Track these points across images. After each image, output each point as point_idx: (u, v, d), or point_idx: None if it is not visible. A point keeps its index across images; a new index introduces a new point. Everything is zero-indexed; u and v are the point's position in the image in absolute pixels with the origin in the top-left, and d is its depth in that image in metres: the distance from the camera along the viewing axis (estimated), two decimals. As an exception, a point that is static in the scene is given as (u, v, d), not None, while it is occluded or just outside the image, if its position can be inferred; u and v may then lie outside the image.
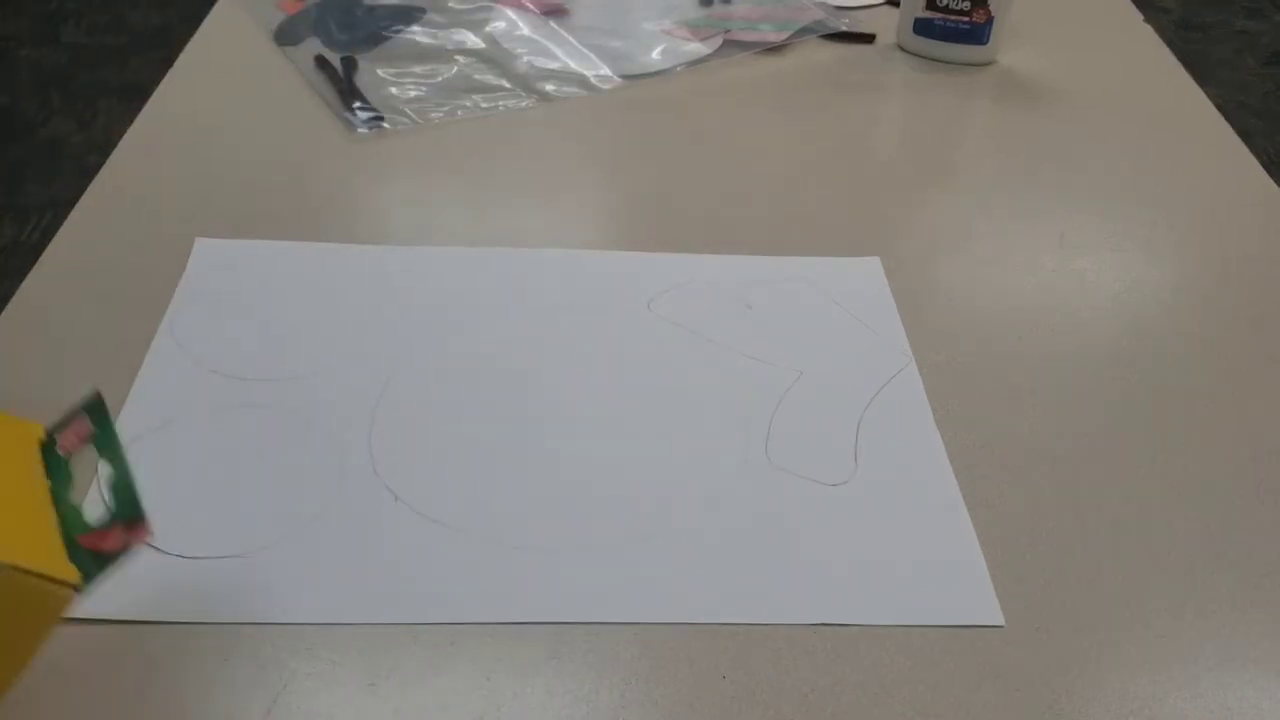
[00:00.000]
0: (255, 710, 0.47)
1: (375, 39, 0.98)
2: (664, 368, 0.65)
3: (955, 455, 0.60)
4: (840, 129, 0.89)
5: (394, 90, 0.90)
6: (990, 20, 0.96)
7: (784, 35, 1.00)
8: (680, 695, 0.48)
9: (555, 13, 1.03)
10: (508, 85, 0.92)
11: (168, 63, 0.93)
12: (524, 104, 0.90)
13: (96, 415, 0.49)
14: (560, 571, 0.53)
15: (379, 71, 0.93)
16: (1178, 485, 0.59)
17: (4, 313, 0.66)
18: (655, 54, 0.97)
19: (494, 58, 0.96)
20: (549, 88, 0.92)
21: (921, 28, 0.98)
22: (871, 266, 0.73)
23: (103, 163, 0.80)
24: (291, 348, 0.65)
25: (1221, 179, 0.85)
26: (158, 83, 0.90)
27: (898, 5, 1.00)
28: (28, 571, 0.42)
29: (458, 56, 0.96)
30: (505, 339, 0.66)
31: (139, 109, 0.87)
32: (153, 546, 0.53)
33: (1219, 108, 0.95)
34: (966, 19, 0.96)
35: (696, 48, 0.98)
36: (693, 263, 0.73)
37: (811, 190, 0.82)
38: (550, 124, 0.88)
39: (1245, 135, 0.90)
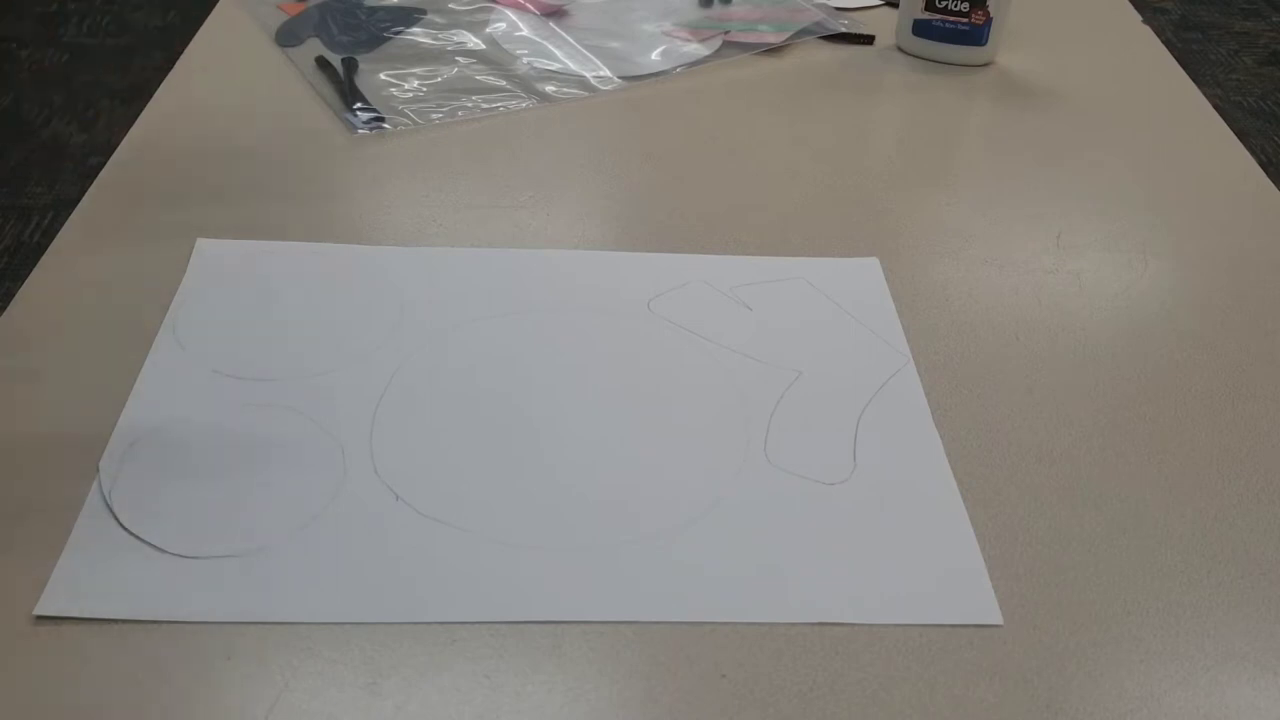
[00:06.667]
0: (256, 709, 0.47)
1: (376, 40, 0.98)
2: (664, 368, 0.65)
3: (954, 455, 0.60)
4: (839, 130, 0.89)
5: (394, 91, 0.90)
6: (989, 21, 0.96)
7: (783, 36, 1.00)
8: (680, 694, 0.48)
9: (555, 14, 1.03)
10: (508, 86, 0.92)
11: (169, 64, 0.94)
12: (524, 105, 0.90)
13: None
14: (560, 571, 0.53)
15: (380, 74, 0.93)
16: (1175, 485, 0.60)
17: (6, 313, 0.67)
18: (655, 55, 0.97)
19: (494, 59, 0.96)
20: (549, 89, 0.92)
21: (920, 29, 0.98)
22: (870, 267, 0.73)
23: (104, 163, 0.80)
24: (292, 348, 0.65)
25: (1219, 179, 0.85)
26: (159, 84, 0.90)
27: (896, 6, 1.00)
28: None
29: (458, 58, 0.96)
30: (505, 339, 0.66)
31: (140, 110, 0.87)
32: (153, 546, 0.53)
33: (1217, 108, 0.95)
34: (965, 20, 0.96)
35: (696, 49, 0.98)
36: (692, 263, 0.73)
37: (811, 190, 0.82)
38: (550, 125, 0.88)
39: (1243, 136, 0.90)
